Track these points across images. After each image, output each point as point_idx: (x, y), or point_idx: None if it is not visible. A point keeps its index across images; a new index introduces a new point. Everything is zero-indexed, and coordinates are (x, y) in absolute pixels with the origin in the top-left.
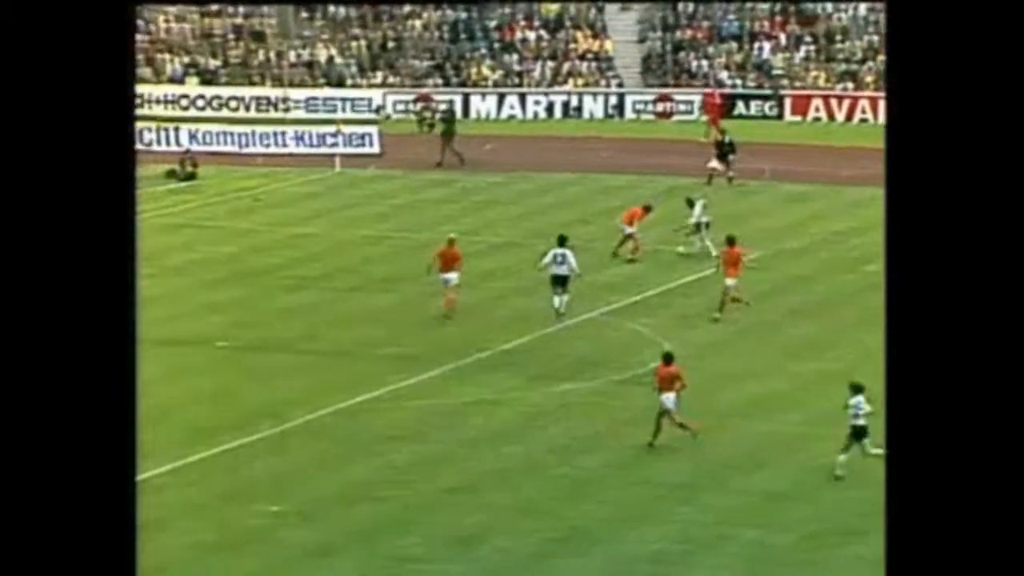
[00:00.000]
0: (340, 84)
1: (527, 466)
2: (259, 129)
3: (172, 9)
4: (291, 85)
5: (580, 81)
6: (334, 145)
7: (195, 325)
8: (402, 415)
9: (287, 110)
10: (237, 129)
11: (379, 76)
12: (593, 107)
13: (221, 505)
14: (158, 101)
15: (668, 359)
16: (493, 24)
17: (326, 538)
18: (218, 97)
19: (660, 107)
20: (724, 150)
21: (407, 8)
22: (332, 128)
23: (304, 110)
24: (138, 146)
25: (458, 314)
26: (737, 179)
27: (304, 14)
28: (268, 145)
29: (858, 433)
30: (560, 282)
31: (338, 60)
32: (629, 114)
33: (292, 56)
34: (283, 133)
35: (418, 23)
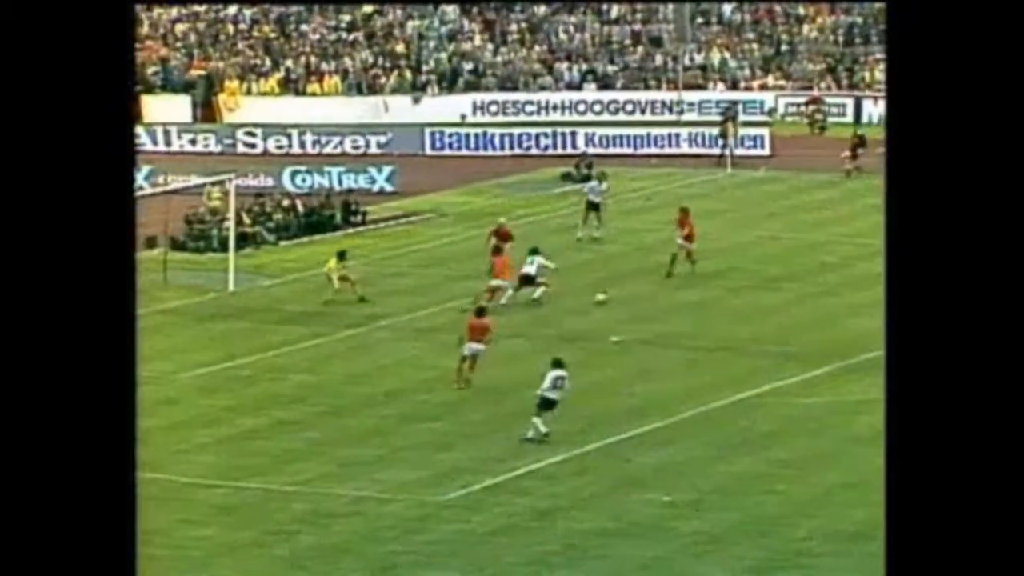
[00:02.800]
0: (733, 87)
1: None
2: (653, 131)
3: (571, 18)
4: (685, 88)
5: None
6: (725, 146)
7: (589, 321)
8: (790, 411)
9: (681, 112)
10: (632, 131)
11: (771, 79)
12: None
13: (614, 494)
14: (555, 107)
15: (480, 312)
16: None
17: (717, 529)
18: (615, 101)
19: None
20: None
21: (801, 11)
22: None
23: (697, 112)
24: (534, 151)
25: (842, 316)
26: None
27: (700, 19)
28: (662, 147)
29: (546, 404)
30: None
31: (731, 63)
32: None
33: (686, 60)
34: (676, 135)
35: (813, 27)
